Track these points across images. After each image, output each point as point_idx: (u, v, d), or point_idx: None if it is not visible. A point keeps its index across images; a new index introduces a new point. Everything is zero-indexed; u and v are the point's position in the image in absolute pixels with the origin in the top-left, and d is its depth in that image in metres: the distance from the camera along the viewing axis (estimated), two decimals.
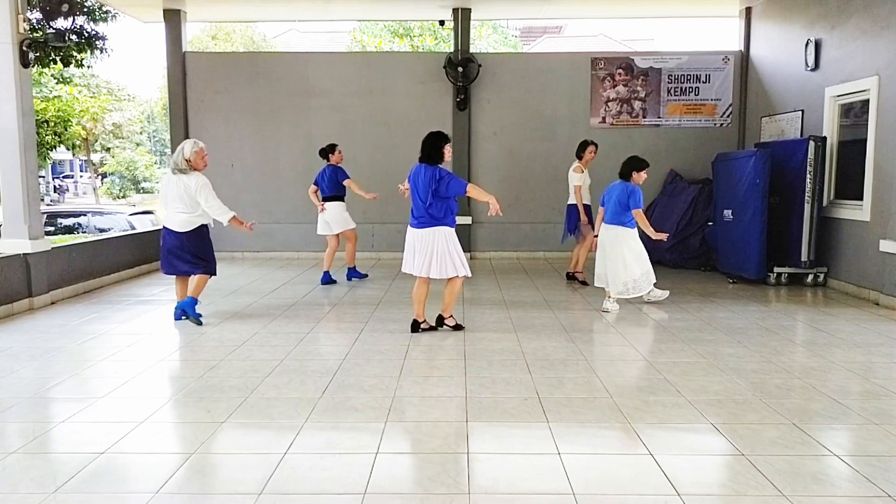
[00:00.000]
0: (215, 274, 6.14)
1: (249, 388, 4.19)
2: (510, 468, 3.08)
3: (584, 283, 7.98)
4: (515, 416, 3.72)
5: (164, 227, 6.05)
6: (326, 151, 8.09)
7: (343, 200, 8.09)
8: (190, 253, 5.96)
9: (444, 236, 5.40)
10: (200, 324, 5.96)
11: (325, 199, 8.01)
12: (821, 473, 3.01)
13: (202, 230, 6.03)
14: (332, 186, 7.98)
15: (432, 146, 5.42)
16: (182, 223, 5.91)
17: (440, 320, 5.72)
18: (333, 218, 8.03)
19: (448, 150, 5.47)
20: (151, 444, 3.37)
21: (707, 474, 3.07)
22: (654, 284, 6.77)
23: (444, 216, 5.40)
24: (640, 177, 6.58)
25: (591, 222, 7.86)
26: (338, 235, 8.16)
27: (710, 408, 3.82)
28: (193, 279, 6.07)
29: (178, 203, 5.88)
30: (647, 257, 6.65)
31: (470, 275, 5.57)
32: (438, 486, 2.88)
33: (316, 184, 8.09)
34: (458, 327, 5.73)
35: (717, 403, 3.89)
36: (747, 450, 3.24)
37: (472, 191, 5.43)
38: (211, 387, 4.22)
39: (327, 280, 8.16)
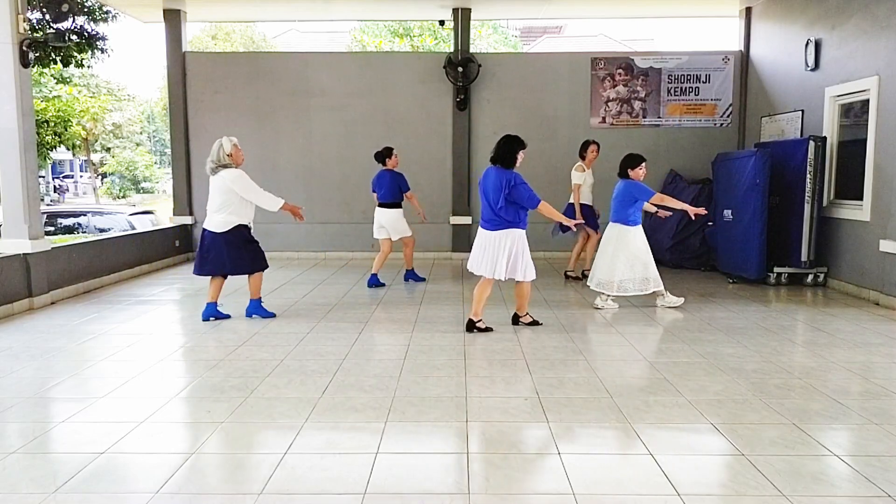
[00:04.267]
0: (263, 268, 6.16)
1: (249, 388, 4.19)
2: (511, 468, 3.08)
3: (577, 278, 8.33)
4: (515, 416, 3.72)
5: (203, 228, 6.04)
6: (383, 155, 7.84)
7: (401, 207, 7.84)
8: (226, 254, 5.92)
9: (516, 239, 5.47)
10: (274, 315, 6.29)
11: (384, 205, 7.77)
12: (821, 473, 3.01)
13: (239, 230, 5.94)
14: (393, 193, 7.75)
15: (507, 151, 5.43)
16: (218, 224, 5.89)
17: (515, 319, 5.94)
18: (393, 226, 7.80)
19: (521, 157, 5.47)
20: (151, 444, 3.37)
21: (707, 474, 3.07)
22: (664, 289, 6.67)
23: (517, 220, 5.46)
24: (638, 173, 6.55)
25: (588, 222, 7.98)
26: (390, 240, 7.91)
27: (710, 408, 3.82)
28: (249, 280, 6.22)
29: (215, 201, 5.92)
30: (646, 263, 6.50)
31: (535, 278, 5.65)
32: (438, 486, 2.88)
33: (374, 190, 7.87)
34: (534, 323, 5.89)
35: (717, 403, 3.89)
36: (747, 450, 3.24)
37: (544, 209, 5.50)
38: (211, 387, 4.23)
39: (374, 283, 7.90)
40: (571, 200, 8.12)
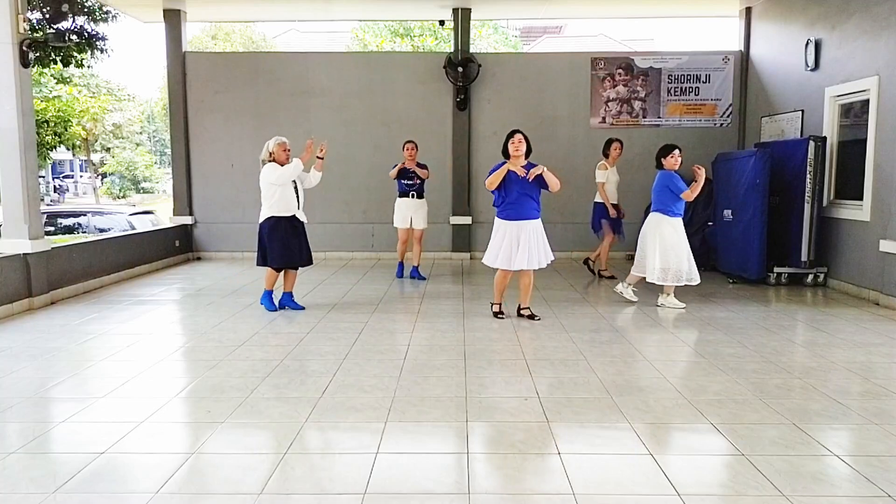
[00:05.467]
0: (266, 265, 6.36)
1: (249, 388, 4.19)
2: (510, 468, 3.08)
3: (611, 277, 8.44)
4: (515, 416, 3.72)
5: None
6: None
7: (400, 197, 8.27)
8: (259, 243, 6.39)
9: (495, 224, 5.98)
10: (276, 309, 6.50)
11: None
12: (821, 473, 3.01)
13: (269, 221, 6.24)
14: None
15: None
16: (261, 216, 6.35)
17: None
18: None
19: (511, 145, 5.80)
20: (151, 444, 3.37)
21: (707, 474, 3.07)
22: (676, 295, 6.70)
23: (497, 205, 5.95)
24: (670, 161, 6.64)
25: (618, 219, 8.22)
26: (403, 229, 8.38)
27: (710, 408, 3.82)
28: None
29: (262, 196, 6.33)
30: (684, 255, 6.53)
31: (492, 266, 5.98)
32: (438, 486, 2.88)
33: None
34: (500, 314, 6.19)
35: (717, 403, 3.89)
36: (747, 450, 3.24)
37: (489, 182, 5.83)
38: (211, 387, 4.23)
39: (411, 275, 8.50)
40: (596, 200, 8.26)
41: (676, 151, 6.66)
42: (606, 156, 8.24)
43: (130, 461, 3.18)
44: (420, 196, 8.22)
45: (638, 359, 4.88)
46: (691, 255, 6.61)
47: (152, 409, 3.82)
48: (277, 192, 6.18)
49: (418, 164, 8.24)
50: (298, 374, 4.46)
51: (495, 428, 3.56)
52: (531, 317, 6.08)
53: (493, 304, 6.26)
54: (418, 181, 8.17)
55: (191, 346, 5.31)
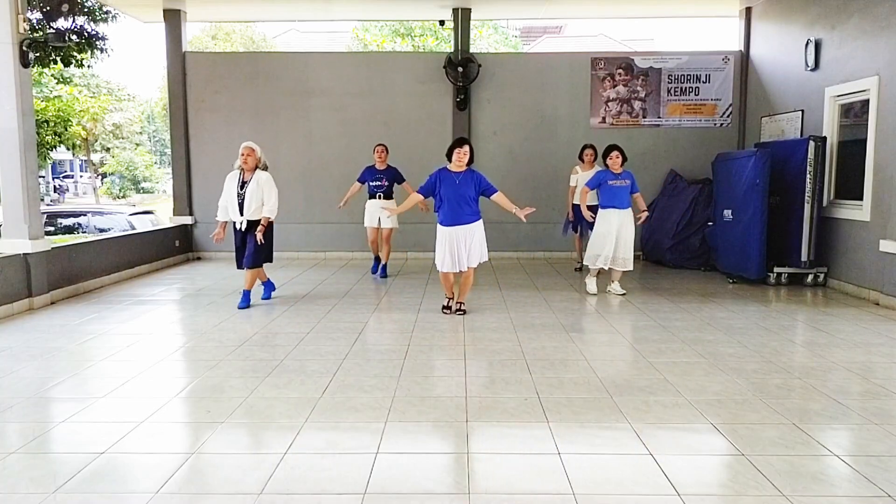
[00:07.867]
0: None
1: (249, 388, 4.19)
2: (510, 468, 3.08)
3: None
4: (515, 416, 3.72)
5: None
6: None
7: (369, 199, 8.51)
8: None
9: None
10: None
11: None
12: (821, 473, 3.01)
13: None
14: None
15: None
16: None
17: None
18: None
19: (456, 154, 6.19)
20: (151, 444, 3.37)
21: (707, 474, 3.07)
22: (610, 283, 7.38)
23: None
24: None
25: (578, 221, 8.54)
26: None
27: (710, 408, 3.82)
28: None
29: None
30: (594, 242, 7.24)
31: (440, 269, 6.31)
32: (438, 486, 2.88)
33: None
34: (444, 308, 6.55)
35: (717, 403, 3.89)
36: (747, 450, 3.24)
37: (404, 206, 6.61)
38: (211, 387, 4.23)
39: (381, 273, 8.81)
40: (574, 201, 8.55)
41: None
42: (582, 160, 8.59)
43: (130, 461, 3.18)
44: (388, 197, 8.36)
45: (638, 359, 4.88)
46: (611, 242, 7.11)
47: (152, 409, 3.82)
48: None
49: (388, 167, 8.43)
50: (298, 374, 4.47)
51: (495, 428, 3.56)
52: (459, 310, 6.39)
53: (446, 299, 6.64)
54: (386, 183, 8.37)
55: (191, 346, 5.31)
